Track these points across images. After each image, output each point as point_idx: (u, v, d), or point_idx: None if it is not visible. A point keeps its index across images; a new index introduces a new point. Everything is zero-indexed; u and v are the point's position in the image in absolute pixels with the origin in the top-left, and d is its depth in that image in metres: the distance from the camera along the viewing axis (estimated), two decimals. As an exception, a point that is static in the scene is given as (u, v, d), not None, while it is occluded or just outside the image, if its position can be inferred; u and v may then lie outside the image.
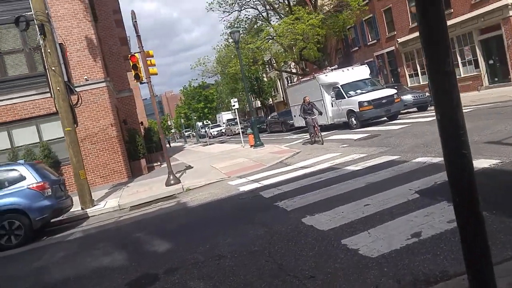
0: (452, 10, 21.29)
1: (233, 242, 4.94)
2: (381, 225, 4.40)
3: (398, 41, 25.61)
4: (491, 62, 20.17)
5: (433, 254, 3.46)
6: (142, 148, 14.46)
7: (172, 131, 72.32)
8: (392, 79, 27.78)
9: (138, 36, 9.71)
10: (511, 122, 8.93)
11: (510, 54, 18.85)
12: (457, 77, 16.78)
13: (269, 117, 30.92)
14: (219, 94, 54.10)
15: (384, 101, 15.40)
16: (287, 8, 27.47)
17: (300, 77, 23.23)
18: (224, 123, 45.20)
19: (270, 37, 25.73)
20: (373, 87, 16.83)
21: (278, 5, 29.28)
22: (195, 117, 39.64)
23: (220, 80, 47.98)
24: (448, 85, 1.80)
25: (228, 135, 39.12)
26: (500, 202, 4.31)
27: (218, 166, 12.24)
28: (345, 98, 16.30)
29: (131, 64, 9.56)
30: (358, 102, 15.32)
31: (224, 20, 36.81)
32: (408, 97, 17.88)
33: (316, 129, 13.95)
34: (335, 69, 18.30)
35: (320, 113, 14.78)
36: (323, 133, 17.51)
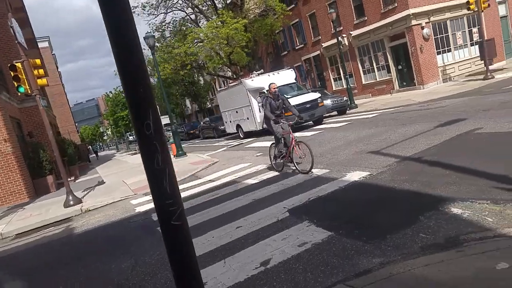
0: (366, 18, 22.57)
1: (95, 279, 4.66)
2: (240, 252, 4.40)
3: (322, 45, 26.60)
4: (399, 67, 21.69)
5: (270, 286, 3.49)
6: (48, 164, 13.37)
7: (105, 137, 68.83)
8: (319, 83, 28.81)
9: (19, 43, 8.87)
10: (399, 130, 9.57)
11: (413, 60, 20.41)
12: (374, 81, 17.85)
13: (202, 123, 30.24)
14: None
15: (308, 105, 15.35)
16: (213, 11, 27.29)
17: (230, 81, 22.98)
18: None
19: (197, 40, 25.37)
20: (298, 92, 16.83)
21: (206, 7, 28.99)
22: (122, 125, 37.27)
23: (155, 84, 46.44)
24: (150, 149, 1.58)
25: None
26: (348, 219, 4.52)
27: (129, 182, 11.74)
28: None
29: (12, 76, 8.69)
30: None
31: (150, 23, 35.63)
32: (327, 102, 18.61)
33: (293, 144, 7.77)
34: (261, 73, 17.96)
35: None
36: (247, 140, 17.76)
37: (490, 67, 18.03)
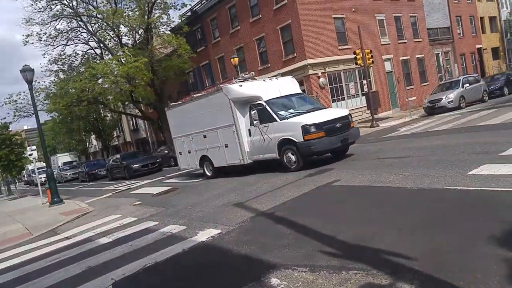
0: (269, 65, 23.52)
1: None
2: None
3: (229, 88, 26.91)
4: (300, 113, 22.71)
5: None
6: None
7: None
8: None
9: None
10: (272, 179, 9.43)
11: (312, 107, 21.54)
12: None
13: (111, 161, 25.24)
14: (55, 133, 48.11)
15: (338, 124, 9.75)
16: (119, 47, 26.21)
17: (195, 92, 15.20)
18: (59, 167, 39.69)
19: (100, 76, 23.82)
20: (314, 105, 11.15)
21: (112, 43, 27.75)
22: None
23: (56, 118, 42.59)
24: None
25: (59, 182, 34.02)
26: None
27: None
28: (275, 120, 10.07)
29: None
30: (302, 126, 9.36)
31: (47, 54, 33.19)
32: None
33: None
34: (250, 78, 11.94)
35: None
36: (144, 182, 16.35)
37: (377, 116, 19.72)
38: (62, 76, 27.53)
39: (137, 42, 25.85)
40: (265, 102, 10.45)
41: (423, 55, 28.68)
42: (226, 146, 11.50)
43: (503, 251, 3.22)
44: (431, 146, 9.24)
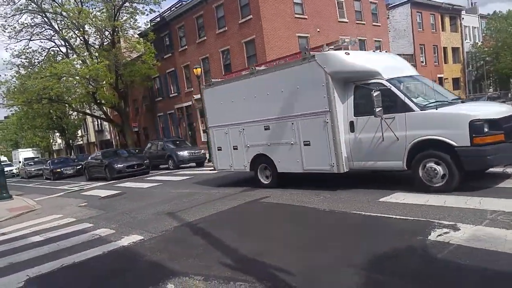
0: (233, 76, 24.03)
1: None
2: None
3: (194, 97, 27.20)
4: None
5: None
6: None
7: None
8: (190, 132, 29.09)
9: None
10: (214, 190, 9.84)
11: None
12: None
13: (89, 158, 22.27)
14: (17, 127, 46.72)
15: None
16: (85, 48, 25.95)
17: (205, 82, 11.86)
18: (20, 162, 38.15)
19: (57, 75, 23.41)
20: (448, 96, 7.55)
21: (78, 43, 27.37)
22: None
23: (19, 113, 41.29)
24: None
25: (23, 178, 32.51)
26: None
27: None
28: (411, 110, 6.54)
29: None
30: (471, 122, 5.87)
31: (9, 49, 32.26)
32: (184, 154, 18.68)
33: None
34: (344, 45, 8.01)
35: None
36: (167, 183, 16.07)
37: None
38: (22, 72, 26.90)
39: (104, 43, 25.72)
40: (387, 81, 6.90)
41: (383, 79, 30.15)
42: (307, 144, 7.77)
43: (368, 272, 3.68)
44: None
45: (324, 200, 6.94)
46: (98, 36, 25.73)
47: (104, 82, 23.09)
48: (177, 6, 28.61)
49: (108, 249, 5.78)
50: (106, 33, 25.24)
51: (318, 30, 24.52)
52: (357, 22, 27.23)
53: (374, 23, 28.63)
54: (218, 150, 10.27)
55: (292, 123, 8.00)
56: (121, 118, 28.64)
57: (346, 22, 26.39)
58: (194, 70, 20.63)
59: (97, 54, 24.41)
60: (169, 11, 29.05)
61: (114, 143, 40.69)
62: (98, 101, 26.59)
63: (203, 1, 25.17)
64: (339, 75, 7.21)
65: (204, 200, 8.68)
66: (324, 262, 4.12)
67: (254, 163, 9.20)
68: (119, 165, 17.65)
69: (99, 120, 41.56)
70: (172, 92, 30.17)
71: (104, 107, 28.86)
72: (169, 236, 6.12)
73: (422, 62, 34.93)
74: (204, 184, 11.60)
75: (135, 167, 17.89)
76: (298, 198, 7.44)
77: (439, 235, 4.18)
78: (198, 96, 26.44)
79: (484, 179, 6.59)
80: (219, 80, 10.46)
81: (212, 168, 11.98)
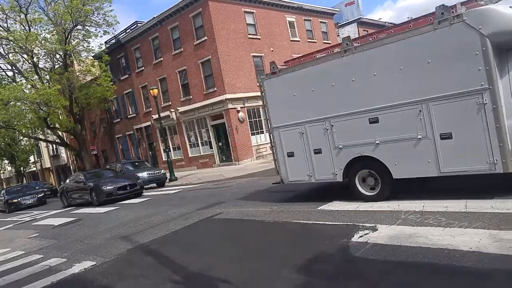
0: (191, 97, 24.38)
1: None
2: None
3: (153, 117, 27.18)
4: (220, 144, 23.68)
5: None
6: None
7: None
8: (150, 152, 28.88)
9: None
10: (170, 211, 10.01)
11: (231, 139, 22.63)
12: (199, 154, 18.44)
13: (68, 180, 18.82)
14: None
15: None
16: (34, 72, 25.26)
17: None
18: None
19: (3, 101, 22.49)
20: None
21: (26, 66, 26.50)
22: None
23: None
24: None
25: None
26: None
27: None
28: None
29: None
30: None
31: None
32: (143, 175, 18.58)
33: None
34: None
35: None
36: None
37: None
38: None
39: (55, 67, 25.22)
40: None
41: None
42: (446, 137, 5.78)
43: (298, 275, 4.09)
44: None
45: (271, 212, 7.39)
46: (49, 60, 25.23)
47: (58, 106, 22.50)
48: (132, 28, 28.70)
49: (57, 279, 5.79)
50: (58, 56, 24.81)
51: (272, 49, 25.51)
52: (309, 40, 28.57)
53: (324, 41, 30.09)
54: (289, 156, 7.85)
55: (420, 111, 5.92)
56: (77, 142, 27.96)
57: (298, 41, 27.63)
58: (151, 91, 20.82)
59: (48, 78, 23.82)
60: (125, 33, 29.07)
61: (71, 167, 39.35)
62: (51, 126, 25.84)
63: (158, 23, 25.49)
64: (501, 39, 5.24)
65: (159, 222, 8.84)
66: (263, 270, 4.51)
67: (349, 169, 6.94)
68: (108, 187, 14.98)
69: (54, 145, 40.14)
70: (131, 113, 29.93)
71: (58, 131, 28.07)
72: (121, 259, 6.27)
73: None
74: (162, 204, 11.72)
75: (127, 188, 15.39)
76: (248, 212, 7.84)
77: (361, 236, 4.74)
78: (156, 116, 26.58)
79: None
80: (290, 66, 7.96)
81: (180, 184, 12.03)
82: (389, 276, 3.61)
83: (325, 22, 30.70)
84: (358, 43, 6.81)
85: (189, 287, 4.42)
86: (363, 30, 36.70)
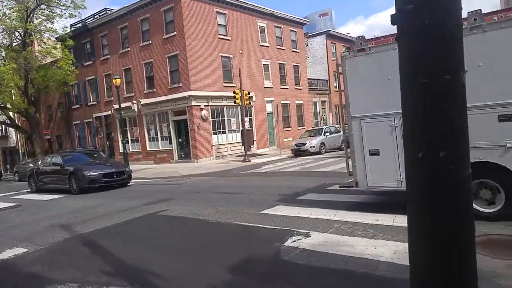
0: (155, 90, 24.00)
1: None
2: None
3: (114, 107, 26.42)
4: (180, 140, 23.47)
5: None
6: None
7: None
8: (108, 143, 28.06)
9: None
10: (120, 203, 9.88)
11: (191, 136, 22.51)
12: (157, 149, 18.06)
13: (40, 162, 16.77)
14: None
15: None
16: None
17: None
18: None
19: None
20: None
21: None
22: None
23: None
24: None
25: None
26: None
27: None
28: None
29: None
30: None
31: None
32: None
33: None
34: None
35: None
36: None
37: (254, 152, 21.52)
38: None
39: (13, 44, 23.91)
40: None
41: (302, 102, 32.11)
42: None
43: (230, 274, 4.24)
44: (262, 185, 10.79)
45: (217, 212, 7.51)
46: (6, 36, 23.88)
47: (11, 85, 21.36)
48: (101, 14, 27.80)
49: (-17, 264, 5.62)
50: (17, 33, 23.57)
51: (241, 52, 25.68)
52: (278, 47, 29.01)
53: (293, 49, 30.71)
54: (372, 155, 6.20)
55: None
56: (29, 124, 26.63)
57: (268, 46, 27.99)
58: (114, 80, 20.28)
59: (4, 55, 22.55)
60: (93, 18, 28.10)
61: (21, 151, 37.35)
62: (2, 105, 24.46)
63: (128, 13, 24.88)
64: None
65: (104, 213, 8.71)
66: (196, 267, 4.61)
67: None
68: (92, 173, 13.29)
69: (2, 126, 37.94)
70: (91, 101, 28.91)
71: (10, 112, 26.59)
72: (56, 248, 6.14)
73: (336, 87, 38.17)
74: (111, 196, 11.50)
75: (114, 176, 13.84)
76: (194, 210, 7.91)
77: (293, 241, 4.97)
78: (117, 106, 25.91)
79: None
80: (388, 42, 6.05)
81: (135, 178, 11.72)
82: (311, 282, 3.83)
83: (295, 31, 31.29)
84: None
85: (117, 278, 4.42)
86: (331, 43, 37.88)
